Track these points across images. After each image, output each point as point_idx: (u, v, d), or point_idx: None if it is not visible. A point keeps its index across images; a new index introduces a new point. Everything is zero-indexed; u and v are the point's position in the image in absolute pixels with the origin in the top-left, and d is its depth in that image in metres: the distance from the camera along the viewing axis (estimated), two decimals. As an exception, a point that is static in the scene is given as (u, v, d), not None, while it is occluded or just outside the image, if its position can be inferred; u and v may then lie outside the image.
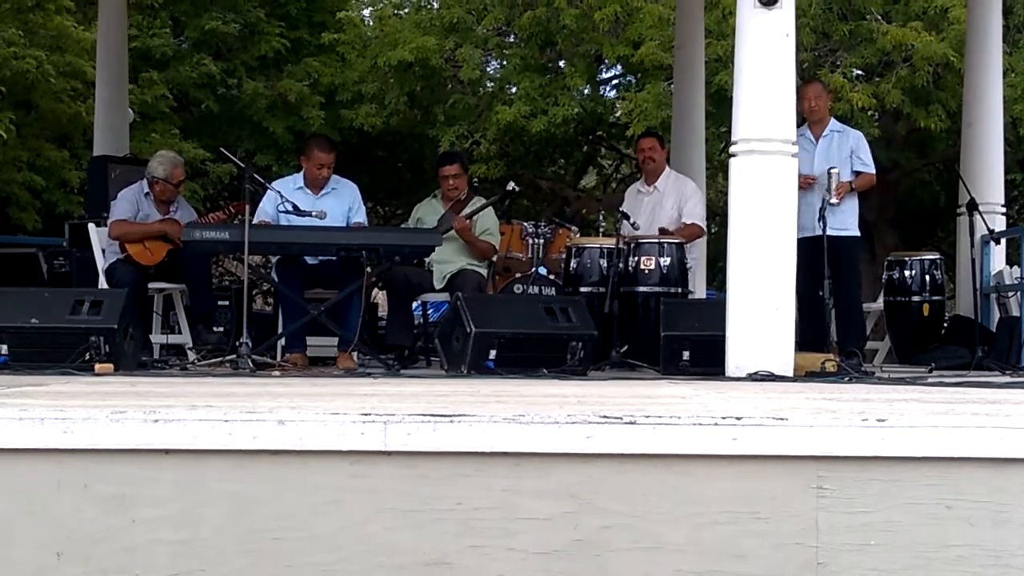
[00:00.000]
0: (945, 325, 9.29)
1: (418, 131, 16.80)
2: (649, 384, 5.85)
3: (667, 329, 7.02)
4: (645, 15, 14.04)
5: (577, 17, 14.67)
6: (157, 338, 8.19)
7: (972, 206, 8.41)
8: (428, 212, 8.37)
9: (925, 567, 3.26)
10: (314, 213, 7.40)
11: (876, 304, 9.71)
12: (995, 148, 9.52)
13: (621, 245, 7.92)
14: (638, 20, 14.23)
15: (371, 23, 17.14)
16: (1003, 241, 9.33)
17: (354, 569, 3.23)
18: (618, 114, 16.72)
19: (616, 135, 17.77)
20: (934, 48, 13.09)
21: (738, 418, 3.30)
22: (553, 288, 8.66)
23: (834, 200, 7.84)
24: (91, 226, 8.26)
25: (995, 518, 3.27)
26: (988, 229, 8.82)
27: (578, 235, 9.50)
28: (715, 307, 6.88)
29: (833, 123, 8.33)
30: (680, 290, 7.93)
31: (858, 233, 8.28)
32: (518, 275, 8.92)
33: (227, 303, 9.36)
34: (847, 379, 6.29)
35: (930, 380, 6.50)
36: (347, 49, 16.00)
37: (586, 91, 16.32)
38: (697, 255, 9.01)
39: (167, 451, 3.24)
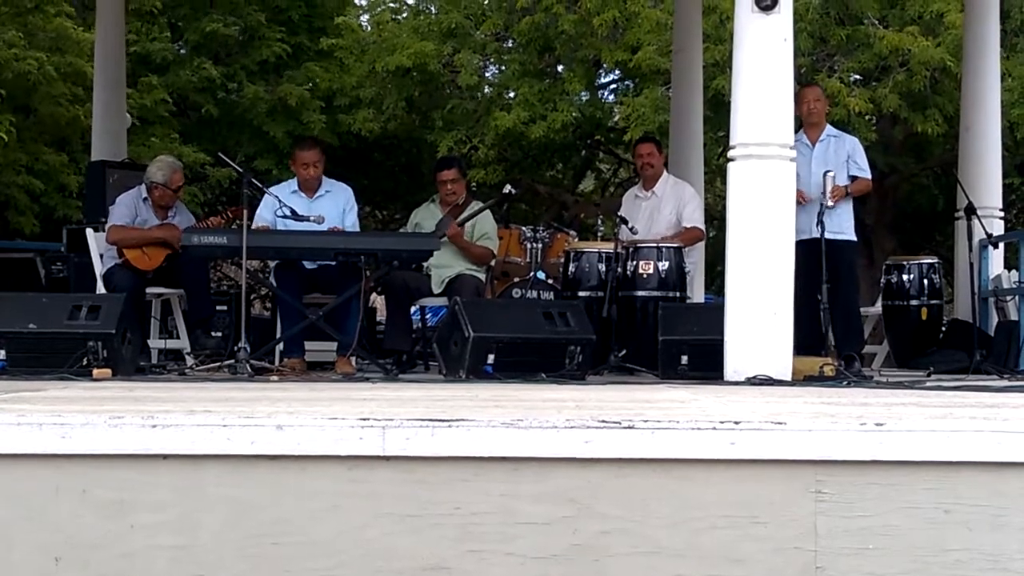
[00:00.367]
0: (943, 329, 9.30)
1: (416, 136, 16.81)
2: (647, 388, 5.86)
3: (665, 333, 7.02)
4: (643, 20, 14.05)
5: (575, 22, 14.68)
6: (155, 343, 8.18)
7: (970, 210, 8.41)
8: (426, 217, 8.36)
9: (923, 571, 3.26)
10: (312, 218, 7.40)
11: (874, 308, 9.71)
12: (993, 152, 9.53)
13: (619, 249, 7.92)
14: (636, 25, 14.24)
15: (369, 28, 17.14)
16: (1001, 245, 9.35)
17: (352, 574, 3.23)
18: (616, 119, 16.73)
19: (614, 140, 17.77)
20: (931, 53, 13.10)
21: (736, 422, 3.30)
22: (551, 292, 8.66)
23: (829, 203, 7.83)
24: (89, 231, 8.26)
25: (993, 522, 3.27)
26: (986, 233, 8.82)
27: (576, 239, 9.50)
28: (713, 311, 6.89)
29: (829, 128, 8.34)
30: (678, 294, 7.93)
31: (854, 237, 8.27)
32: (516, 279, 8.92)
33: (225, 308, 9.35)
34: (845, 383, 6.30)
35: (928, 384, 6.50)
36: (345, 54, 16.01)
37: (584, 96, 16.33)
38: (696, 259, 9.01)
39: (165, 456, 3.23)
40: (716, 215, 15.67)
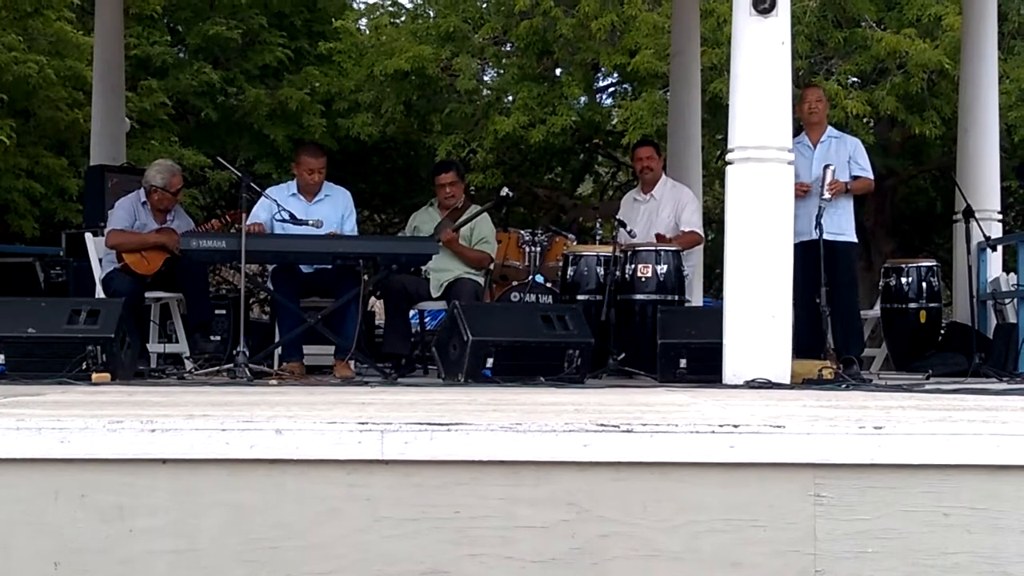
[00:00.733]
0: (942, 332, 9.30)
1: (414, 140, 16.81)
2: (646, 392, 5.86)
3: (664, 337, 7.03)
4: (641, 23, 14.06)
5: (574, 26, 14.69)
6: (154, 347, 8.19)
7: (968, 213, 8.42)
8: (425, 220, 8.37)
9: (922, 574, 3.26)
10: (311, 222, 7.40)
11: (873, 311, 9.72)
12: (991, 155, 9.53)
13: (618, 253, 7.93)
14: (634, 28, 14.25)
15: (367, 32, 17.15)
16: (999, 248, 9.35)
17: (351, 578, 3.23)
18: (614, 122, 16.74)
19: (613, 143, 17.79)
20: (928, 55, 13.11)
21: (735, 426, 3.30)
22: (550, 296, 8.66)
23: (827, 195, 7.80)
24: (88, 235, 8.26)
25: (993, 525, 3.27)
26: (984, 236, 8.83)
27: (575, 243, 9.50)
28: (712, 315, 6.89)
29: (831, 130, 8.34)
30: (677, 298, 7.94)
31: (855, 239, 8.26)
32: (515, 283, 8.93)
33: (224, 312, 9.36)
34: (844, 386, 6.30)
35: (927, 387, 6.50)
36: (343, 58, 16.02)
37: (583, 100, 16.33)
38: (694, 263, 9.02)
39: (164, 460, 3.23)
40: (715, 218, 15.68)
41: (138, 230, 7.92)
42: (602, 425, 3.30)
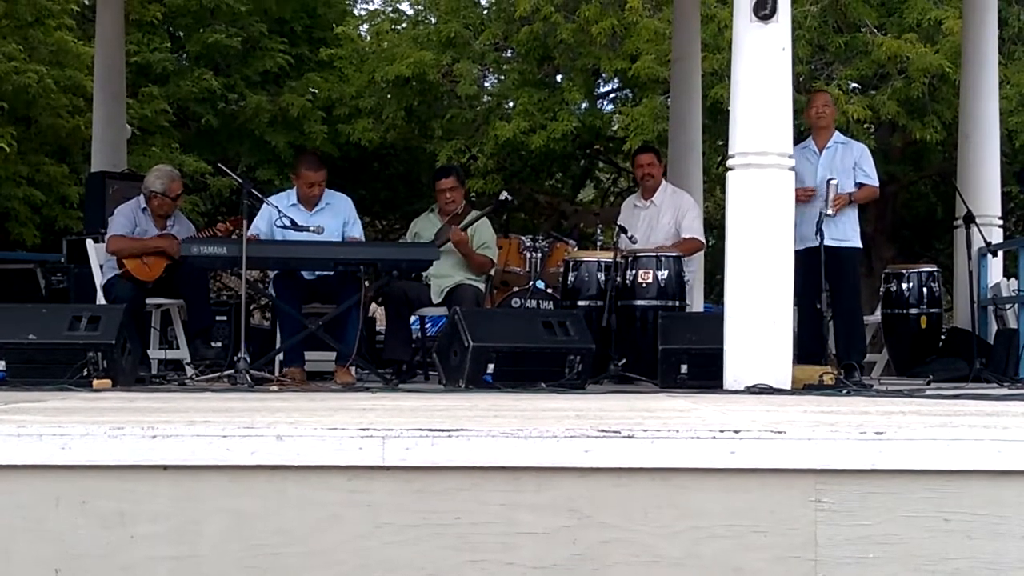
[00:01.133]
0: (943, 337, 9.29)
1: (415, 146, 16.82)
2: (647, 398, 5.85)
3: (665, 342, 7.03)
4: (642, 29, 14.07)
5: (574, 32, 14.69)
6: (155, 353, 8.18)
7: (969, 218, 8.41)
8: (425, 226, 8.38)
9: (924, 580, 3.26)
10: (312, 228, 7.41)
11: (874, 317, 9.71)
12: (991, 160, 9.53)
13: (619, 259, 7.92)
14: (635, 34, 14.26)
15: (368, 38, 17.16)
16: (1000, 253, 9.34)
17: (353, 584, 3.23)
18: (615, 128, 16.74)
19: (614, 149, 17.79)
20: (929, 59, 13.11)
21: (736, 431, 3.30)
22: (551, 302, 8.66)
23: (830, 211, 7.81)
24: (89, 242, 8.27)
25: (993, 531, 3.27)
26: (985, 241, 8.82)
27: (576, 249, 9.50)
28: (713, 320, 6.89)
29: (837, 135, 8.34)
30: (678, 303, 7.94)
31: (859, 245, 8.26)
32: (516, 289, 8.93)
33: (225, 318, 9.36)
34: (845, 392, 6.30)
35: (928, 392, 6.50)
36: (344, 64, 16.04)
37: (584, 105, 16.34)
38: (695, 268, 9.01)
39: (165, 467, 3.23)
40: (715, 224, 15.68)
41: (139, 236, 7.93)
42: (603, 431, 3.30)
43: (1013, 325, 8.70)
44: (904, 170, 16.00)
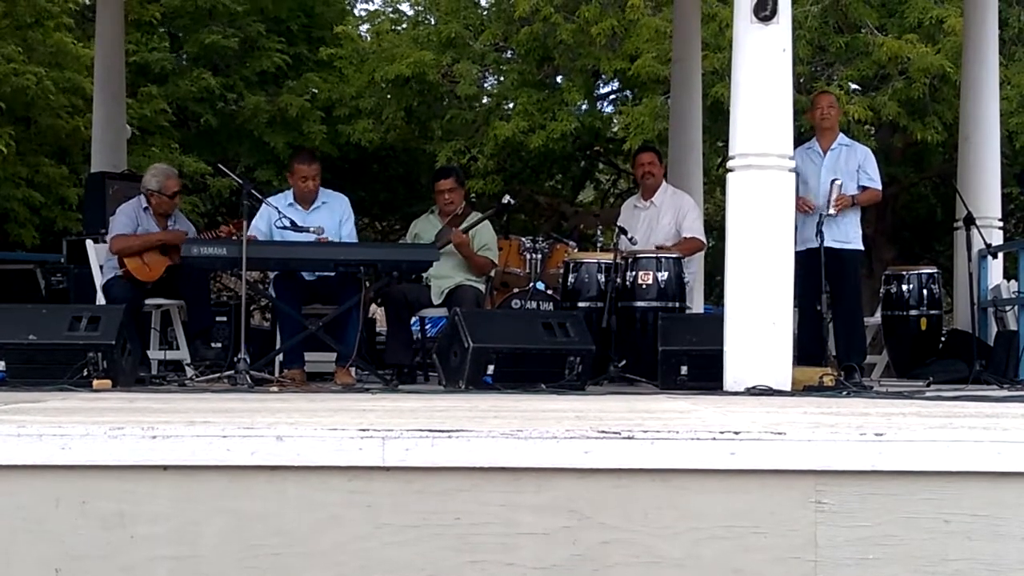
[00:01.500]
0: (943, 339, 9.30)
1: (415, 146, 16.81)
2: (647, 399, 5.85)
3: (665, 344, 7.03)
4: (642, 28, 14.06)
5: (574, 32, 14.69)
6: (155, 354, 8.18)
7: (969, 220, 8.41)
8: (425, 228, 8.38)
9: (924, 581, 3.26)
10: (312, 229, 7.41)
11: (874, 318, 9.72)
12: (992, 162, 9.53)
13: (619, 260, 7.92)
14: (635, 33, 14.25)
15: (368, 38, 17.17)
16: (1000, 255, 9.34)
17: (352, 585, 3.23)
18: (615, 129, 16.74)
19: (613, 150, 17.79)
20: (930, 60, 13.11)
21: (736, 432, 3.30)
22: (551, 303, 8.66)
23: (831, 212, 7.82)
24: (89, 242, 8.27)
25: (993, 532, 3.27)
26: (985, 243, 8.83)
27: (576, 250, 9.50)
28: (713, 321, 6.89)
29: (841, 137, 8.35)
30: (678, 305, 7.94)
31: (860, 247, 8.26)
32: (516, 290, 8.93)
33: (225, 319, 9.35)
34: (845, 393, 6.30)
35: (928, 394, 6.50)
36: (344, 64, 16.03)
37: (583, 106, 16.34)
38: (695, 270, 9.02)
39: (165, 467, 3.23)
40: (715, 225, 15.68)
41: (142, 234, 7.93)
42: (603, 432, 3.30)
43: (1013, 327, 8.70)
44: (904, 172, 15.99)
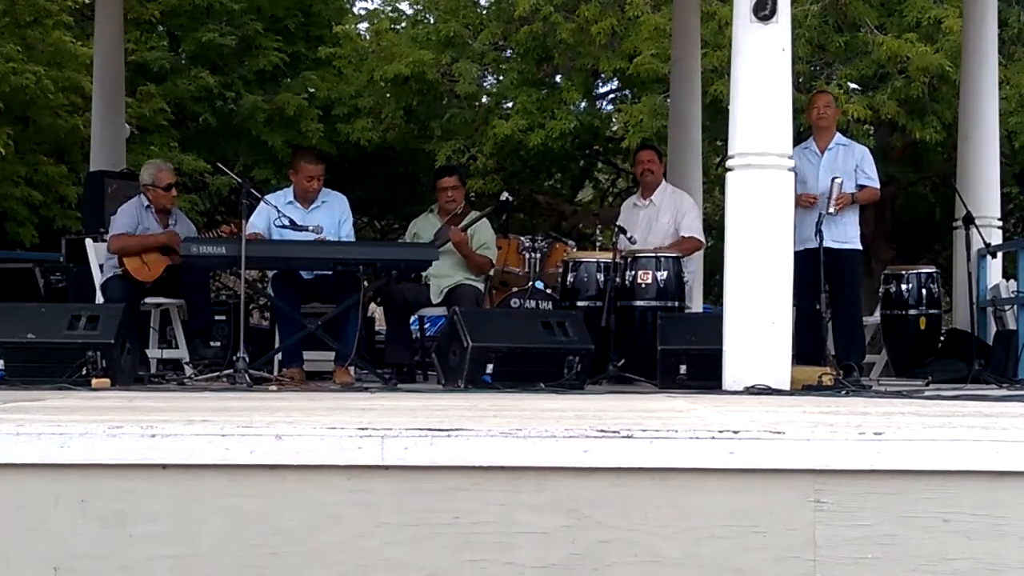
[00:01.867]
0: (942, 338, 9.30)
1: (414, 146, 16.81)
2: (646, 398, 5.85)
3: (664, 343, 7.03)
4: (642, 26, 14.06)
5: (574, 31, 14.69)
6: (154, 353, 8.18)
7: (968, 220, 8.41)
8: (425, 227, 8.38)
9: (923, 580, 3.26)
10: (311, 228, 7.41)
11: (873, 318, 9.71)
12: (991, 161, 9.52)
13: (618, 259, 7.92)
14: (634, 32, 14.25)
15: (367, 37, 17.16)
16: (999, 254, 9.34)
17: (351, 584, 3.23)
18: (615, 128, 16.74)
19: (613, 149, 17.79)
20: (929, 59, 13.10)
21: (735, 432, 3.30)
22: (550, 302, 8.66)
23: (831, 210, 7.82)
24: (88, 241, 8.26)
25: (993, 531, 3.27)
26: (984, 243, 8.82)
27: (575, 249, 9.50)
28: (712, 321, 6.88)
29: (839, 137, 8.35)
30: (677, 304, 7.93)
31: (860, 246, 8.27)
32: (515, 289, 8.92)
33: (224, 318, 9.35)
34: (844, 392, 6.30)
35: (927, 393, 6.50)
36: (343, 63, 16.03)
37: (583, 105, 16.34)
38: (694, 269, 9.01)
39: (164, 466, 3.23)
40: (714, 224, 15.68)
41: (141, 234, 7.92)
42: (602, 431, 3.30)
43: (1012, 326, 8.69)
44: (903, 171, 15.99)
